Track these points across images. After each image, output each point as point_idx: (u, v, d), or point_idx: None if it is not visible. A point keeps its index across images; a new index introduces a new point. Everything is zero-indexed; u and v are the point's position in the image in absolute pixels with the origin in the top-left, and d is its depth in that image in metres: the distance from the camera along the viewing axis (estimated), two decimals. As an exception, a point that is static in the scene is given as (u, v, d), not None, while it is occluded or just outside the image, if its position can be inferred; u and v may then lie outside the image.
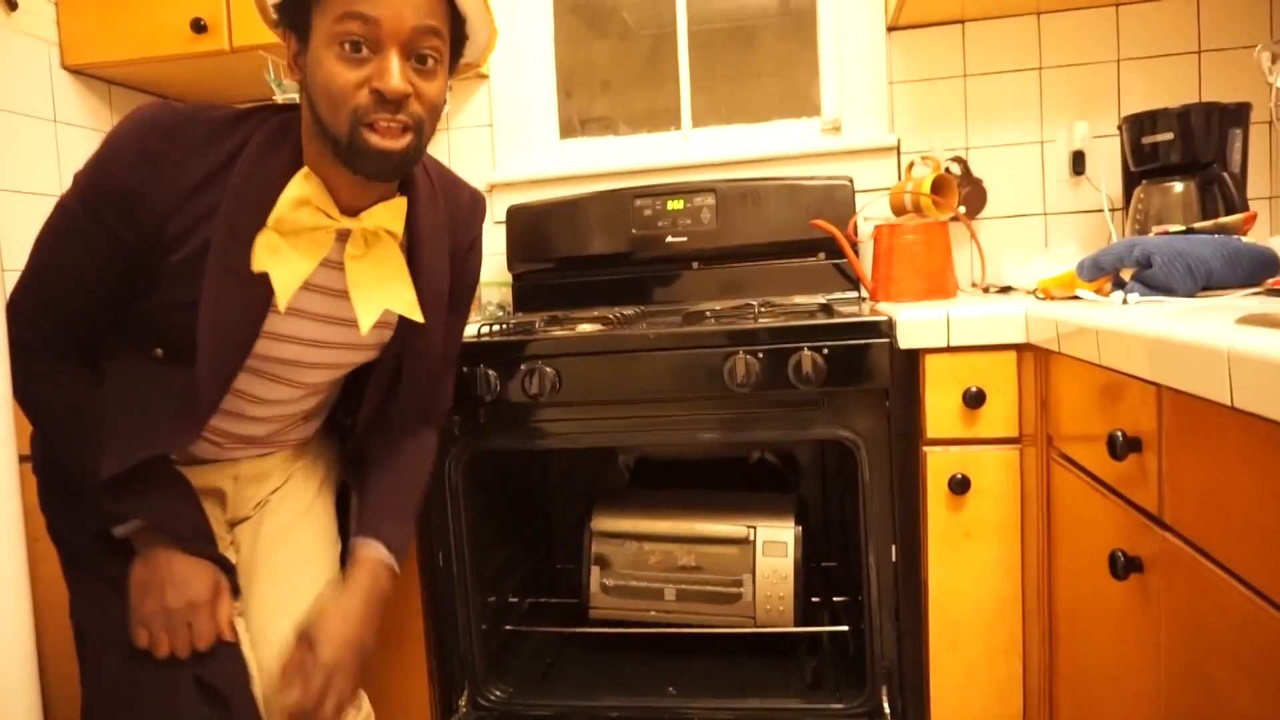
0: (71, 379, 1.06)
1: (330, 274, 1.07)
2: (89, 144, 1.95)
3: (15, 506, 0.88)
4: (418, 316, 1.11)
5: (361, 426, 1.21)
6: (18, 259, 1.74)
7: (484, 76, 2.13)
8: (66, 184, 1.81)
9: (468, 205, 1.23)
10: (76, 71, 1.91)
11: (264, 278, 1.00)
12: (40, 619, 1.28)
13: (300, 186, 1.00)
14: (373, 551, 1.14)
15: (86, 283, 1.02)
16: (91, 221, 0.99)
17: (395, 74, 0.94)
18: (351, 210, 1.05)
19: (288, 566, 1.18)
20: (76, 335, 1.06)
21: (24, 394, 1.06)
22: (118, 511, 1.05)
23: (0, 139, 1.74)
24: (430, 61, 0.98)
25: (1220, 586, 0.74)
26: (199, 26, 1.80)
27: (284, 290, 1.01)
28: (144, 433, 1.04)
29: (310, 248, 1.03)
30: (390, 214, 1.07)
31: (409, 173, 1.09)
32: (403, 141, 0.97)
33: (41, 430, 1.10)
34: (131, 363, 1.05)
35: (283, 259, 1.00)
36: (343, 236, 1.05)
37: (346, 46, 0.93)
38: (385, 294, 1.08)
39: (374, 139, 0.96)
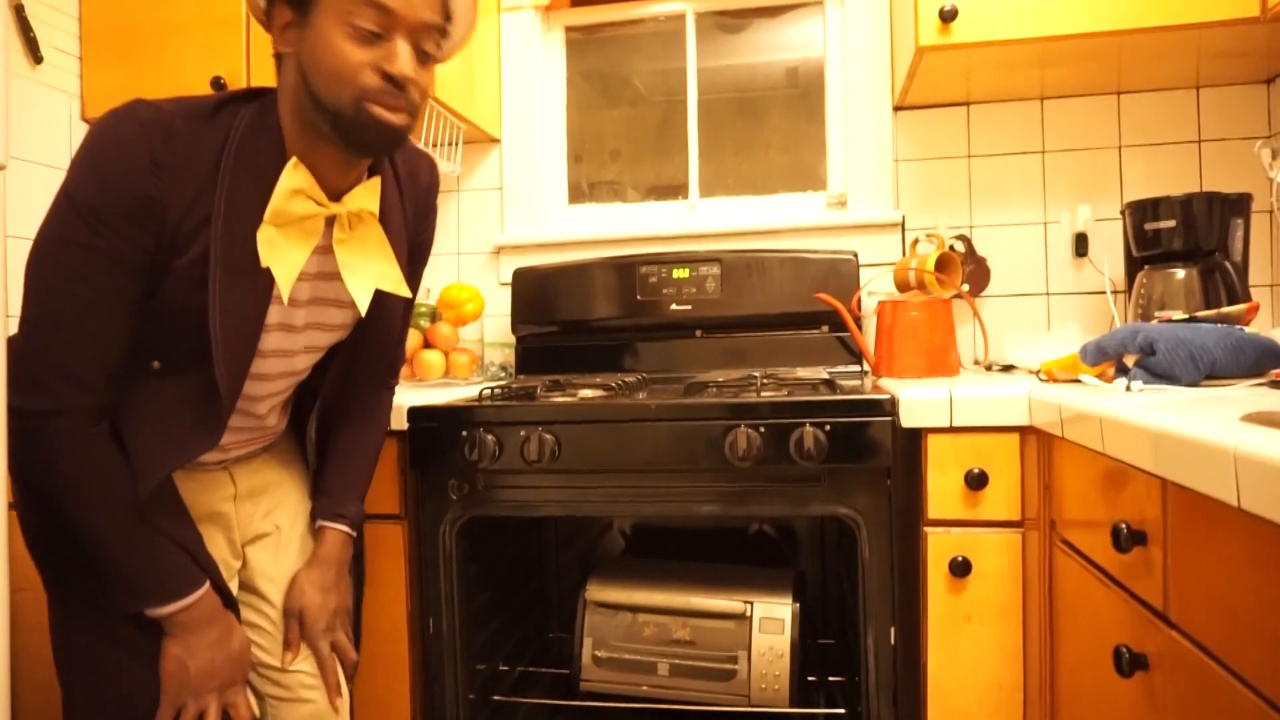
0: (105, 441, 1.00)
1: (317, 258, 1.08)
2: (103, 194, 1.97)
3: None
4: (405, 292, 1.14)
5: (323, 400, 1.23)
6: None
7: (495, 140, 2.16)
8: (78, 233, 1.87)
9: (426, 175, 1.25)
10: (96, 124, 1.95)
11: (264, 272, 1.00)
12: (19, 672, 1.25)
13: (292, 177, 1.00)
14: (337, 529, 1.23)
15: (115, 313, 0.96)
16: (111, 241, 0.94)
17: (405, 59, 0.97)
18: (334, 195, 1.05)
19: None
20: (111, 378, 0.99)
21: (50, 468, 0.97)
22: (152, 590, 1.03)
23: (17, 188, 1.76)
24: (429, 55, 1.01)
25: (1228, 691, 0.72)
26: (218, 85, 1.84)
27: (285, 281, 1.01)
28: (167, 445, 1.02)
29: (302, 237, 1.03)
30: (368, 194, 1.08)
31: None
32: (401, 116, 0.99)
33: (75, 507, 0.99)
34: (129, 382, 1.02)
35: (281, 251, 1.01)
36: (329, 221, 1.06)
37: (358, 29, 0.95)
38: (375, 273, 1.10)
39: (379, 112, 0.97)
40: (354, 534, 1.25)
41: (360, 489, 1.27)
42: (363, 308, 1.09)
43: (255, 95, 1.05)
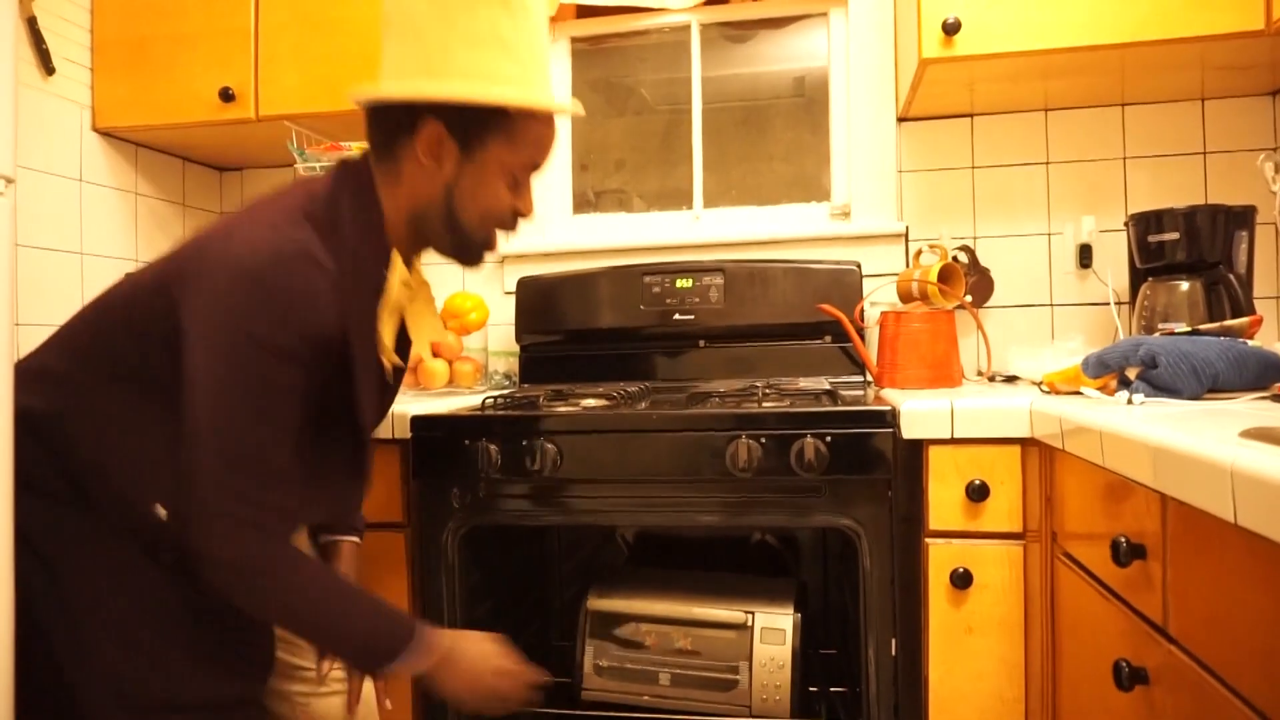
0: (314, 560, 1.06)
1: None
2: (112, 202, 1.99)
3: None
4: (446, 338, 1.30)
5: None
6: (40, 314, 1.78)
7: (501, 151, 2.17)
8: (90, 242, 1.90)
9: None
10: (106, 134, 1.97)
11: (377, 357, 1.10)
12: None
13: (400, 271, 1.10)
14: (351, 540, 1.31)
15: (296, 437, 1.01)
16: (299, 376, 0.98)
17: (533, 203, 1.14)
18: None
19: None
20: (292, 493, 1.03)
21: (276, 596, 1.00)
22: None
23: (28, 197, 1.78)
24: None
25: (1226, 707, 0.72)
26: (227, 96, 1.86)
27: (389, 355, 1.12)
28: (328, 508, 1.17)
29: (392, 314, 1.12)
30: (419, 265, 1.20)
31: None
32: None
33: (311, 615, 1.03)
34: None
35: (387, 331, 1.10)
36: None
37: (517, 180, 1.10)
38: (427, 328, 1.20)
39: (494, 242, 1.13)
40: (360, 540, 1.33)
41: (360, 500, 1.29)
42: (426, 355, 1.29)
43: (344, 179, 1.08)
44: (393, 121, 1.05)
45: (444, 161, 1.05)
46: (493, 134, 1.05)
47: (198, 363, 0.96)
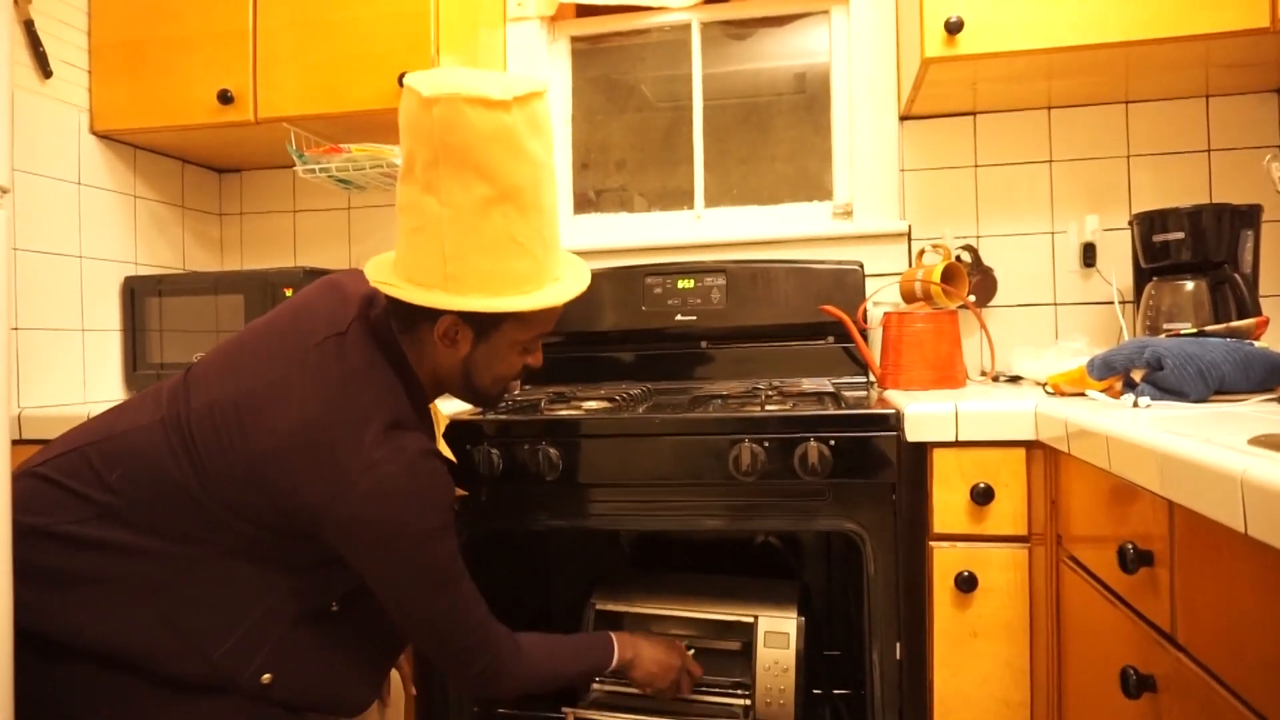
0: (526, 644, 1.23)
1: None
2: (110, 205, 1.98)
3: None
4: (449, 454, 1.35)
5: None
6: (37, 318, 1.77)
7: (502, 151, 2.16)
8: (88, 244, 1.90)
9: None
10: (104, 137, 1.96)
11: None
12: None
13: (439, 416, 1.31)
14: None
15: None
16: (453, 529, 1.12)
17: (542, 356, 1.25)
18: None
19: None
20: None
21: (535, 677, 1.22)
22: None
23: (26, 201, 1.77)
24: None
25: (1235, 717, 0.71)
26: (225, 98, 1.85)
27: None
28: None
29: None
30: None
31: None
32: None
33: (550, 679, 1.26)
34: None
35: None
36: None
37: (525, 351, 1.20)
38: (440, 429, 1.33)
39: (512, 388, 1.28)
40: None
41: None
42: (453, 456, 1.36)
43: (382, 349, 1.15)
44: (415, 309, 1.12)
45: (460, 344, 1.14)
46: (506, 322, 1.14)
47: (388, 579, 1.08)
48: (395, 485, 1.04)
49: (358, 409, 1.07)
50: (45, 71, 1.81)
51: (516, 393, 1.13)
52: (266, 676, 1.08)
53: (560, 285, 1.14)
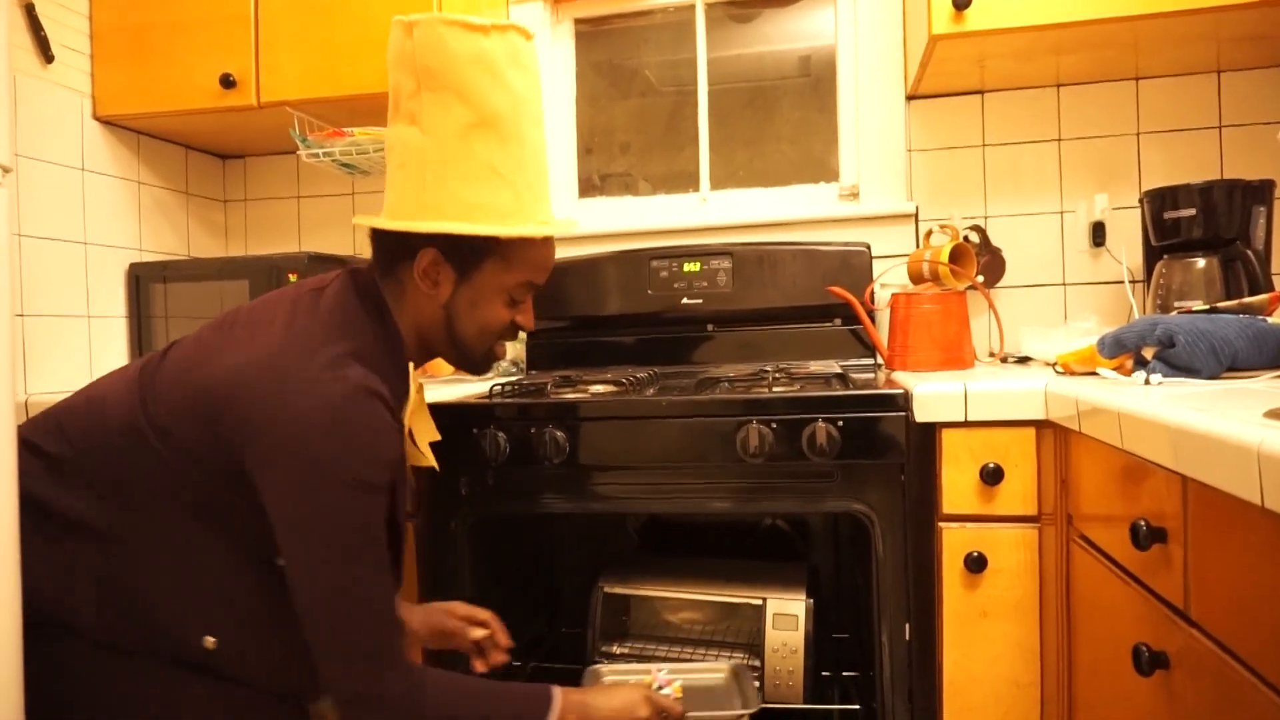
0: (446, 674, 1.09)
1: None
2: (114, 191, 1.98)
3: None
4: (436, 436, 1.28)
5: None
6: (44, 305, 1.77)
7: (505, 135, 2.15)
8: (92, 230, 1.89)
9: None
10: (107, 122, 1.95)
11: None
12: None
13: (419, 387, 1.19)
14: None
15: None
16: (383, 507, 1.01)
17: (532, 317, 1.20)
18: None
19: None
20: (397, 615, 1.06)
21: (431, 714, 1.03)
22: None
23: (29, 187, 1.77)
24: None
25: (1249, 692, 0.71)
26: (228, 82, 1.84)
27: (427, 459, 1.21)
28: None
29: (411, 420, 1.18)
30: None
31: None
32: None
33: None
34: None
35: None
36: None
37: (513, 300, 1.15)
38: (428, 433, 1.26)
39: (498, 352, 1.19)
40: None
41: None
42: (434, 461, 1.23)
43: (359, 296, 1.11)
44: (393, 246, 1.11)
45: (441, 285, 1.11)
46: (487, 259, 1.10)
47: (298, 524, 0.97)
48: (327, 414, 0.96)
49: (316, 335, 1.02)
50: (47, 56, 1.80)
51: (507, 359, 1.10)
52: (210, 640, 1.02)
53: (546, 227, 1.12)
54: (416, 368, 1.18)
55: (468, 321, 1.13)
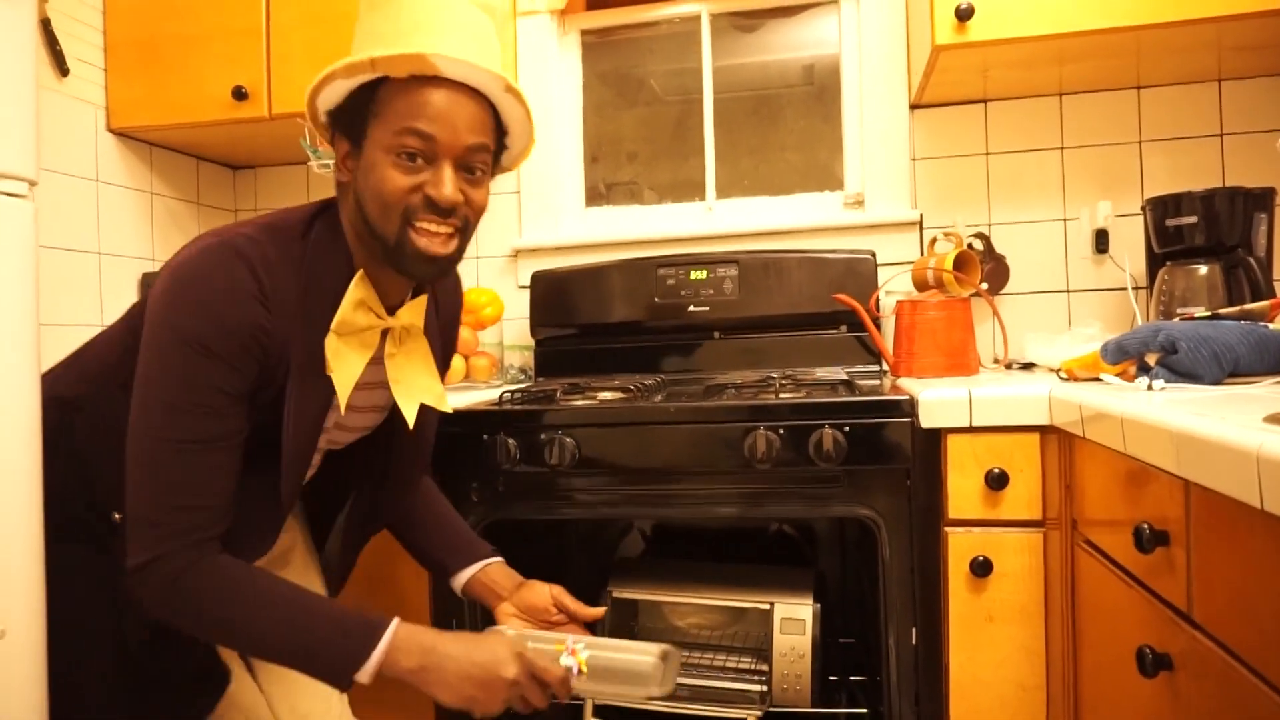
0: (230, 560, 0.98)
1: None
2: (127, 202, 2.01)
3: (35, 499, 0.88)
4: (446, 407, 1.16)
5: (359, 495, 1.25)
6: (58, 314, 1.79)
7: (513, 145, 2.18)
8: (106, 241, 1.91)
9: (455, 291, 1.31)
10: (120, 134, 1.98)
11: (326, 380, 1.02)
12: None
13: (357, 289, 1.03)
14: (497, 560, 1.29)
15: (231, 445, 0.97)
16: (226, 376, 0.95)
17: (449, 184, 0.98)
18: (389, 309, 1.09)
19: None
20: (230, 507, 0.99)
21: (199, 610, 0.94)
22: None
23: (44, 198, 1.79)
24: (478, 172, 1.03)
25: (1252, 692, 0.72)
26: (240, 94, 1.87)
27: (344, 390, 1.03)
28: (233, 545, 1.01)
29: (361, 347, 1.05)
30: (416, 311, 1.12)
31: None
32: (450, 247, 1.02)
33: (241, 631, 0.96)
34: None
35: (344, 360, 1.03)
36: (381, 334, 1.09)
37: (403, 156, 0.97)
38: (420, 387, 1.12)
39: (421, 242, 0.99)
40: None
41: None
42: (410, 419, 1.10)
43: (326, 208, 1.08)
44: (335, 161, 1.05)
45: (349, 168, 1.03)
46: (369, 119, 0.99)
47: (140, 366, 0.96)
48: (180, 270, 0.94)
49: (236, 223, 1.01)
50: (62, 69, 1.83)
51: (435, 248, 0.99)
52: (118, 516, 0.99)
53: (394, 50, 0.96)
54: (385, 290, 1.07)
55: (368, 198, 0.99)
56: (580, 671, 1.08)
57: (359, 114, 1.00)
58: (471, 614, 1.47)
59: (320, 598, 1.02)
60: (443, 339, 1.27)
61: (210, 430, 0.95)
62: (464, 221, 1.03)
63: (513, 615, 1.23)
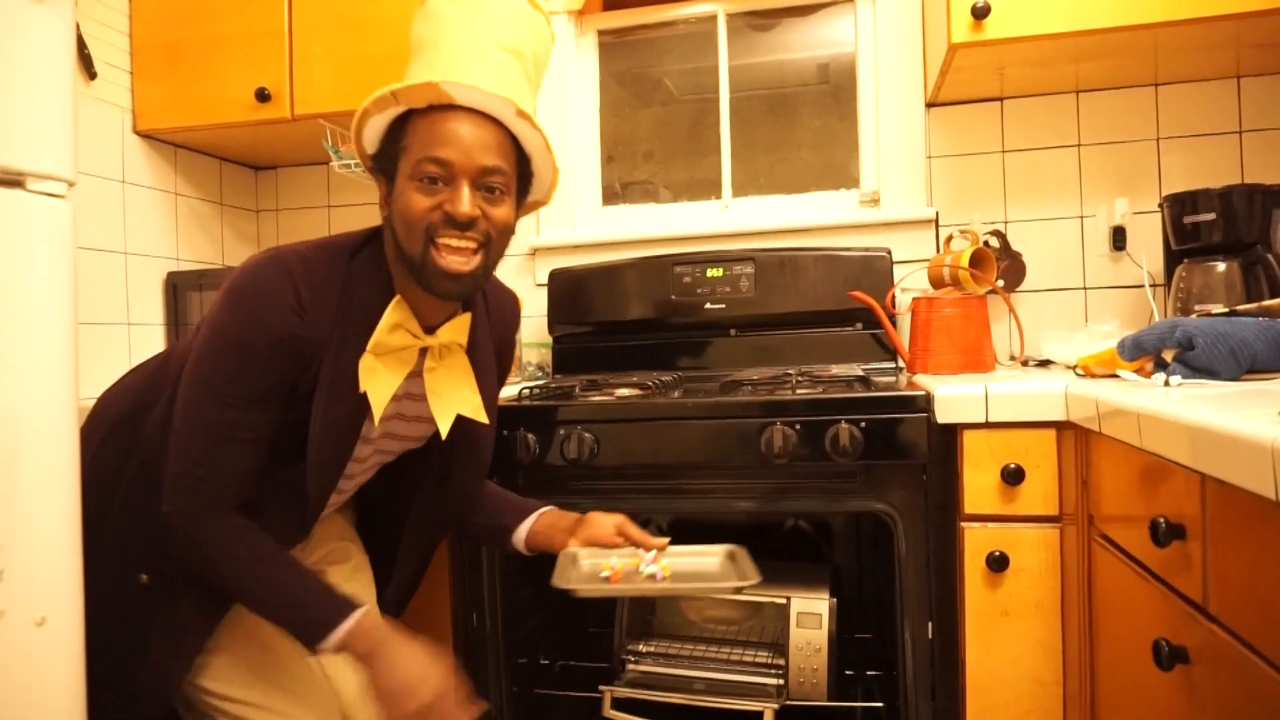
0: (255, 528, 1.09)
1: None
2: (153, 202, 2.04)
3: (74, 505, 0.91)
4: (483, 419, 1.22)
5: (419, 507, 1.31)
6: (86, 313, 1.83)
7: (531, 144, 2.20)
8: (132, 241, 1.95)
9: (510, 308, 1.38)
10: (146, 136, 2.01)
11: (360, 395, 1.09)
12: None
13: (394, 313, 1.10)
14: (549, 507, 1.36)
15: (257, 439, 1.08)
16: (259, 374, 1.05)
17: (465, 200, 1.06)
18: (428, 328, 1.16)
19: None
20: (248, 490, 1.10)
21: (224, 558, 1.07)
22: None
23: (73, 198, 1.82)
24: (497, 191, 1.09)
25: (1269, 685, 0.73)
26: (263, 96, 1.89)
27: (378, 405, 1.10)
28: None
29: (398, 365, 1.13)
30: (459, 329, 1.19)
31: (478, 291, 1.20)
32: (473, 263, 1.09)
33: (234, 580, 1.08)
34: None
35: (378, 378, 1.10)
36: (421, 351, 1.16)
37: (424, 181, 1.06)
38: (458, 400, 1.19)
39: (443, 260, 1.06)
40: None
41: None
42: (444, 431, 1.16)
43: (374, 237, 1.17)
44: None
45: (384, 203, 1.12)
46: (399, 155, 1.08)
47: (193, 351, 1.09)
48: (233, 282, 1.06)
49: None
50: (90, 73, 1.87)
51: (457, 266, 1.06)
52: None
53: (408, 83, 1.06)
54: (424, 314, 1.14)
55: (398, 223, 1.08)
56: (664, 576, 1.20)
57: (391, 152, 1.09)
58: (491, 605, 1.49)
59: (306, 571, 1.11)
60: (499, 353, 1.33)
61: (238, 420, 1.06)
62: (485, 237, 1.09)
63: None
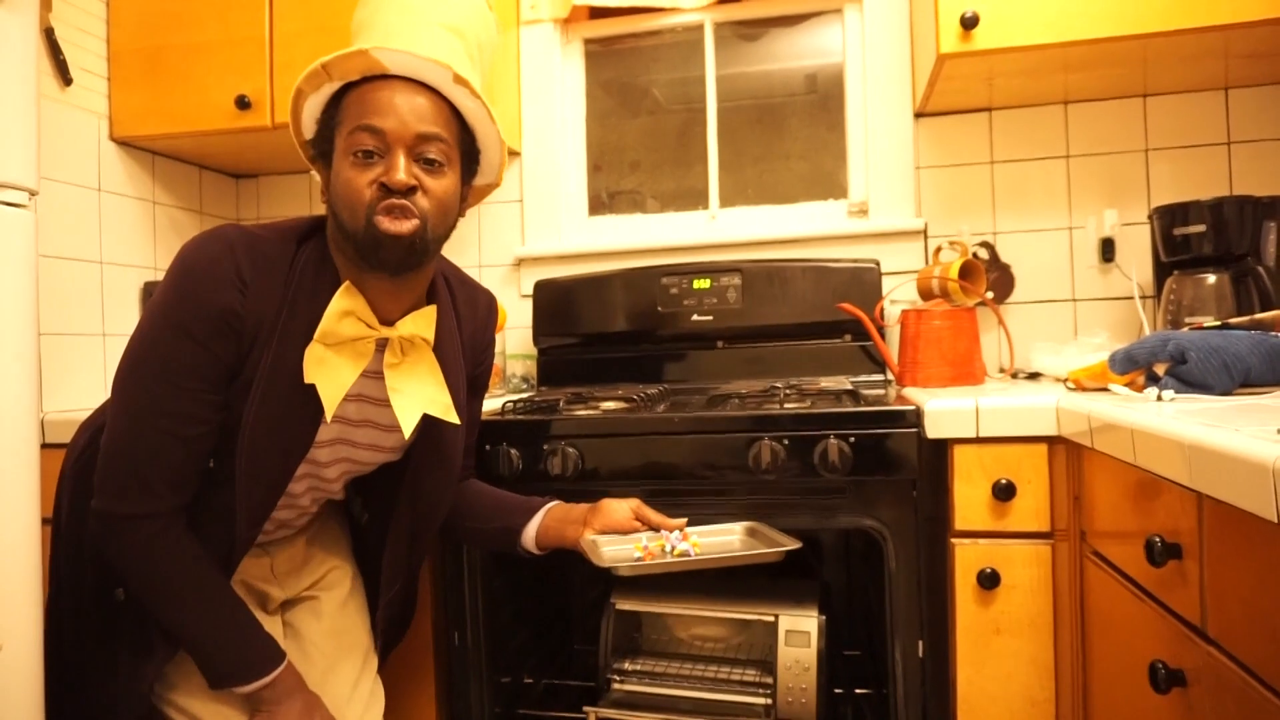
0: (180, 537, 1.04)
1: (365, 381, 1.11)
2: (130, 211, 2.00)
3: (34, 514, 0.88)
4: (453, 419, 1.14)
5: (397, 521, 1.25)
6: (60, 324, 1.79)
7: (516, 154, 2.17)
8: (108, 250, 1.91)
9: (485, 307, 1.31)
10: (123, 143, 1.98)
11: (310, 390, 1.03)
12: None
13: (343, 300, 1.04)
14: (554, 502, 1.33)
15: (193, 424, 1.01)
16: (197, 354, 0.99)
17: (400, 168, 1.00)
18: (388, 321, 1.09)
19: (332, 656, 1.24)
20: (185, 485, 1.04)
21: (132, 567, 1.02)
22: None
23: (47, 207, 1.79)
24: (436, 163, 1.04)
25: (1269, 709, 0.71)
26: (243, 103, 1.87)
27: (330, 401, 1.04)
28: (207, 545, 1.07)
29: (353, 358, 1.06)
30: (422, 322, 1.11)
31: (423, 267, 1.10)
32: (408, 224, 1.01)
33: (156, 600, 1.04)
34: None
35: (329, 370, 1.03)
36: (381, 346, 1.09)
37: (359, 155, 1.01)
38: (423, 398, 1.11)
39: (383, 223, 1.00)
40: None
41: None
42: (406, 431, 1.09)
43: (316, 221, 1.13)
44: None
45: (328, 189, 1.07)
46: (335, 132, 1.04)
47: (135, 330, 1.04)
48: (176, 260, 1.02)
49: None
50: (65, 79, 1.83)
51: (392, 227, 0.99)
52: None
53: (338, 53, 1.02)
54: (379, 303, 1.08)
55: (339, 204, 1.02)
56: (697, 554, 1.23)
57: (327, 131, 1.05)
58: (474, 624, 1.46)
59: (240, 606, 1.08)
60: (472, 358, 1.27)
61: (169, 405, 1.00)
62: (421, 210, 1.02)
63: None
